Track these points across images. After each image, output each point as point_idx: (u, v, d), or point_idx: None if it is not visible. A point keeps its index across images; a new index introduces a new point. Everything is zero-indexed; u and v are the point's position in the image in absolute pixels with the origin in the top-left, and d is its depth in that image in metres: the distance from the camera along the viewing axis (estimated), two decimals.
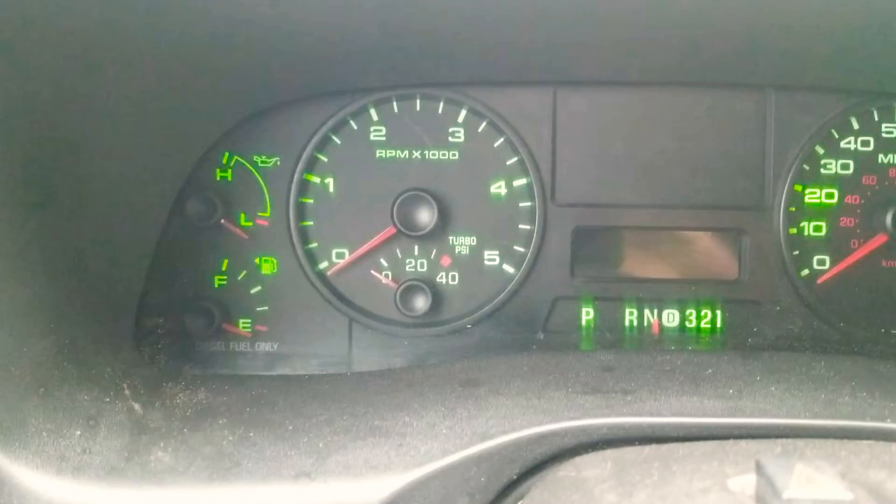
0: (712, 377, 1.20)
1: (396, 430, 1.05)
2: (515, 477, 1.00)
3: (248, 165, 1.56)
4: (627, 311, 1.60)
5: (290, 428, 1.07)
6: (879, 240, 1.56)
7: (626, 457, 0.93)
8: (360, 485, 0.94)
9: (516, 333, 1.58)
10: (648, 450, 0.93)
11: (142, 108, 1.25)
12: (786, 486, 0.68)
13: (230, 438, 1.03)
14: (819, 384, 1.18)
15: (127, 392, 1.10)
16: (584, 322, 1.60)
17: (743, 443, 0.95)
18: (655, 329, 1.59)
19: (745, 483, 0.74)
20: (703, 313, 1.60)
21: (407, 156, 1.57)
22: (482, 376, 1.21)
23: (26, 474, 0.91)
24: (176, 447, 1.01)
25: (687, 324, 1.60)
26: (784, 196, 1.56)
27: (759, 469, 0.73)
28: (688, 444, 0.94)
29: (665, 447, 0.93)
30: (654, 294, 1.60)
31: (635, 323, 1.60)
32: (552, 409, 1.07)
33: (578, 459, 0.96)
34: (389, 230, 1.54)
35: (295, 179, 1.55)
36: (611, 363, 1.25)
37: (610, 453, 0.95)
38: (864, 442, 0.95)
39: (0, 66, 0.96)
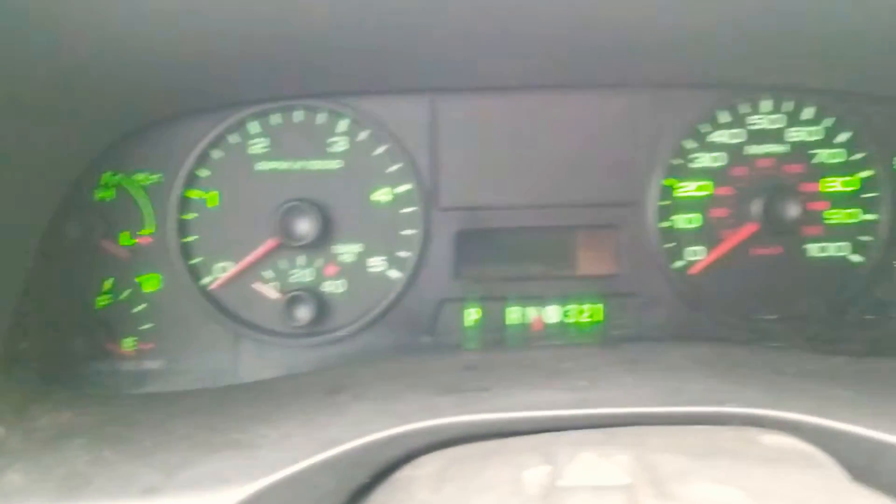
0: (570, 370, 1.24)
1: (252, 443, 1.07)
2: (367, 481, 1.02)
3: (130, 183, 1.57)
4: (511, 309, 1.63)
5: (148, 445, 1.08)
6: (750, 229, 1.62)
7: (458, 454, 0.96)
8: (207, 498, 0.96)
9: (404, 337, 1.61)
10: (479, 446, 0.97)
11: (8, 129, 1.25)
12: (561, 475, 0.71)
13: (85, 458, 1.04)
14: (671, 372, 1.23)
15: None
16: (469, 323, 1.63)
17: (573, 434, 0.99)
18: (538, 326, 1.63)
19: (538, 474, 0.77)
20: (583, 308, 1.64)
21: (289, 167, 1.59)
22: (348, 383, 1.24)
23: None
24: (29, 469, 1.02)
25: (568, 319, 1.64)
26: (655, 191, 1.61)
27: (549, 459, 0.76)
28: (521, 438, 0.97)
29: (497, 443, 0.97)
30: (537, 291, 1.64)
31: (518, 321, 1.63)
32: (406, 412, 1.09)
33: (420, 459, 0.99)
34: (272, 242, 1.56)
35: (176, 195, 1.56)
36: (474, 362, 1.29)
37: (449, 451, 0.98)
38: (678, 427, 0.99)
39: None
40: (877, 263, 1.65)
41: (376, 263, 1.60)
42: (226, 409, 1.20)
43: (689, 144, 1.63)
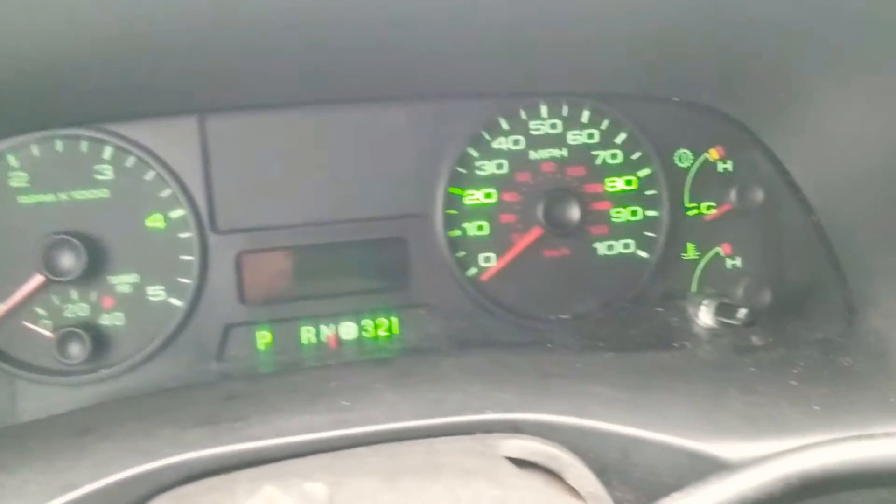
0: (335, 391, 1.22)
1: None
2: None
3: None
4: (304, 329, 1.61)
5: None
6: (536, 233, 1.63)
7: (188, 490, 0.93)
8: None
9: (191, 366, 1.55)
10: (206, 482, 0.94)
11: None
12: None
13: None
14: (437, 384, 1.23)
15: None
16: (260, 347, 1.59)
17: (302, 462, 0.97)
18: (333, 344, 1.61)
19: None
20: (378, 322, 1.62)
21: (53, 199, 1.51)
22: (99, 422, 1.18)
23: None
24: None
25: (364, 334, 1.62)
26: (442, 201, 1.61)
27: (234, 496, 0.74)
28: (245, 471, 0.95)
29: (220, 478, 0.94)
30: (330, 309, 1.61)
31: (313, 340, 1.61)
32: (152, 449, 1.05)
33: (159, 497, 0.96)
34: (37, 279, 1.48)
35: None
36: (237, 391, 1.25)
37: (181, 489, 0.95)
38: (412, 443, 0.99)
39: None
40: (661, 258, 1.69)
41: (156, 292, 1.55)
42: None
43: (473, 152, 1.63)
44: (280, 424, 1.09)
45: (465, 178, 1.64)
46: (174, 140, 1.54)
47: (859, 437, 0.92)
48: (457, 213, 1.64)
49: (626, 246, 1.69)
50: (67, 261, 1.47)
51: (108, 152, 1.52)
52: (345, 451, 1.00)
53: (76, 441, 1.13)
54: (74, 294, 1.52)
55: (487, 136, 1.64)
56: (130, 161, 1.53)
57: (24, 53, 1.17)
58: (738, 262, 1.72)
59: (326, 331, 1.61)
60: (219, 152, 1.56)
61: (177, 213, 1.55)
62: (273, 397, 1.20)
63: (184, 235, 1.55)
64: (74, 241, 1.46)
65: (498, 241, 1.65)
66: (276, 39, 1.26)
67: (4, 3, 1.02)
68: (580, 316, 1.67)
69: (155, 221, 1.54)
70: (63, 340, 1.48)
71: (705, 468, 1.07)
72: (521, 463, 1.05)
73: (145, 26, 1.14)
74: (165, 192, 1.54)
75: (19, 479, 1.03)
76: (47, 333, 1.50)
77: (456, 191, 1.63)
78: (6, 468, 1.07)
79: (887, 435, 0.91)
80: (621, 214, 1.69)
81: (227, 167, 1.56)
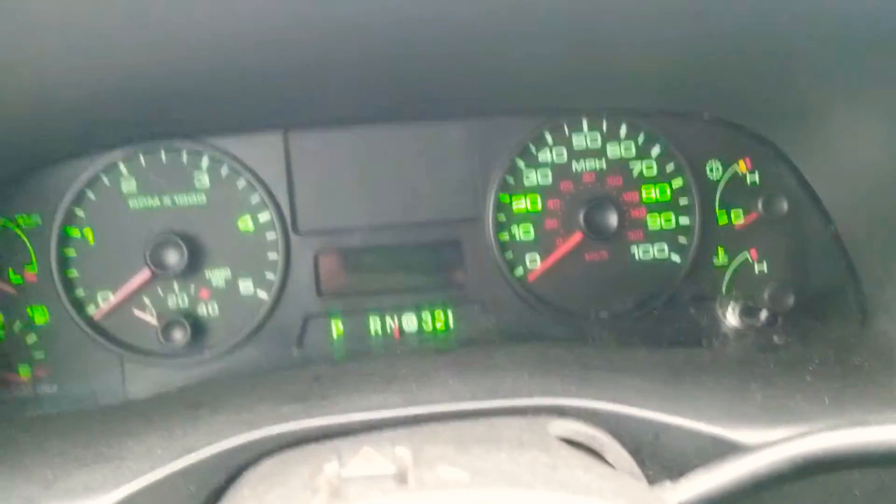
0: (404, 377, 1.42)
1: (119, 455, 1.22)
2: (223, 483, 1.18)
3: (11, 225, 1.71)
4: (372, 320, 1.82)
5: (27, 463, 1.23)
6: (576, 237, 1.83)
7: (289, 456, 1.14)
8: None
9: (276, 351, 1.78)
10: (309, 448, 1.14)
11: None
12: (345, 465, 0.90)
13: None
14: (492, 371, 1.42)
15: None
16: (334, 335, 1.81)
17: (389, 432, 1.17)
18: (396, 334, 1.82)
19: (332, 467, 0.95)
20: (436, 316, 1.83)
21: (158, 203, 1.75)
22: (207, 398, 1.40)
23: None
24: None
25: (424, 327, 1.83)
26: (491, 207, 1.81)
27: (338, 455, 0.95)
28: (341, 440, 1.16)
29: (322, 445, 1.15)
30: (394, 304, 1.82)
31: (380, 331, 1.82)
32: (254, 421, 1.26)
33: (263, 461, 1.17)
34: (145, 273, 1.72)
35: (55, 234, 1.71)
36: (321, 374, 1.46)
37: (283, 455, 1.16)
38: (477, 421, 1.18)
39: None
40: (693, 262, 1.86)
41: (246, 286, 1.77)
42: (99, 427, 1.35)
43: (521, 163, 1.83)
44: (360, 402, 1.28)
45: (513, 187, 1.84)
46: (262, 152, 1.77)
47: (855, 424, 1.10)
48: (505, 218, 1.84)
49: (661, 251, 1.87)
50: (171, 258, 1.71)
51: (205, 162, 1.76)
52: (418, 426, 1.19)
53: (191, 414, 1.34)
54: (176, 287, 1.76)
55: (534, 149, 1.84)
56: (224, 170, 1.77)
57: (133, 75, 1.38)
58: (764, 267, 1.88)
59: (391, 322, 1.82)
60: (300, 163, 1.79)
61: (264, 217, 1.78)
62: (352, 380, 1.41)
63: (270, 236, 1.78)
64: (177, 240, 1.70)
65: (542, 245, 1.85)
66: (350, 68, 1.47)
67: (116, 29, 1.20)
68: (617, 314, 1.85)
69: (245, 223, 1.77)
70: (167, 327, 1.72)
71: (726, 451, 1.24)
72: (566, 441, 1.24)
73: (237, 53, 1.34)
74: (254, 198, 1.77)
75: (146, 446, 1.24)
76: (153, 321, 1.74)
77: (505, 198, 1.83)
78: (134, 436, 1.28)
79: (880, 422, 1.09)
80: (656, 221, 1.87)
81: (308, 176, 1.79)
